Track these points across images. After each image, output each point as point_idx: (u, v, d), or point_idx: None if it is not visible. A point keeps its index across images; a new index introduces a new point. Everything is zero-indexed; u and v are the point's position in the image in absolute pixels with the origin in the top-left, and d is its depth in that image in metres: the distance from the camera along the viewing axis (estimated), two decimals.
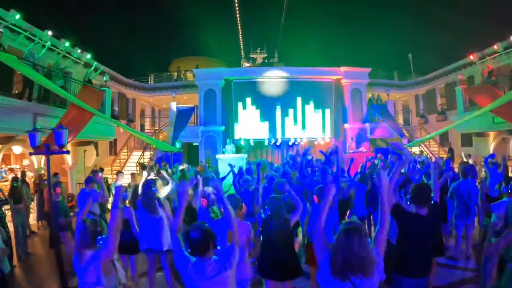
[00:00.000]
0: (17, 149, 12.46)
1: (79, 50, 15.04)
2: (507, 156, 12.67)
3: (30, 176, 11.94)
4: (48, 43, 12.33)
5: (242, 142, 17.37)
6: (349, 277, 2.35)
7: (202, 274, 2.64)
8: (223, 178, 8.85)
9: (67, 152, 6.47)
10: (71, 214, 7.44)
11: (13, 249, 7.19)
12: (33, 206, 10.58)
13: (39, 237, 9.38)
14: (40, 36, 12.45)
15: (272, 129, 18.70)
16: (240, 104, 18.89)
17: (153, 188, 5.37)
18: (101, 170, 11.34)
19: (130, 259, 5.51)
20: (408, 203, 3.80)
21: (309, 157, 11.64)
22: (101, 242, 3.09)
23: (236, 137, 18.33)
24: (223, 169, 11.58)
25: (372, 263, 2.39)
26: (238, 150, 16.27)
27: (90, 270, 2.98)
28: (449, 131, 17.84)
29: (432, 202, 3.74)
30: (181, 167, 10.47)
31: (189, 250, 2.74)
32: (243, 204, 4.56)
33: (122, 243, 5.35)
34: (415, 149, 19.62)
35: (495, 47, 15.47)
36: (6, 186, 10.55)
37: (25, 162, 14.89)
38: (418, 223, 3.56)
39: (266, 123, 18.71)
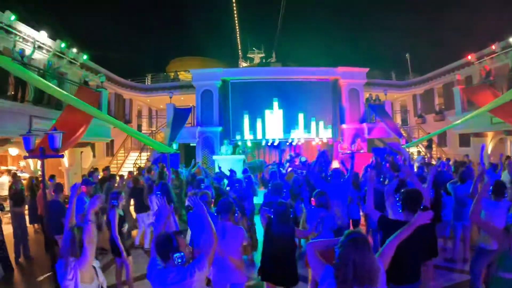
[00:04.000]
0: (13, 151, 12.38)
1: (75, 50, 14.95)
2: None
3: (24, 177, 11.84)
4: (35, 43, 12.28)
5: (239, 143, 17.32)
6: None
7: (163, 281, 2.67)
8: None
9: (62, 156, 6.40)
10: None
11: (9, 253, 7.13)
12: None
13: (34, 240, 9.27)
14: (35, 37, 12.37)
15: (269, 130, 18.50)
16: (237, 105, 18.73)
17: None
18: (97, 170, 11.22)
19: (119, 261, 5.44)
20: (400, 210, 3.75)
21: (303, 159, 11.60)
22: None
23: (233, 137, 18.21)
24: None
25: (378, 273, 2.33)
26: (235, 151, 16.21)
27: (69, 277, 3.01)
28: (447, 132, 17.84)
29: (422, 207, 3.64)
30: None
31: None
32: (236, 208, 4.53)
33: (112, 245, 5.35)
34: (413, 150, 19.62)
35: (493, 47, 15.46)
36: None
37: (22, 163, 14.81)
38: None
39: (263, 124, 18.52)
